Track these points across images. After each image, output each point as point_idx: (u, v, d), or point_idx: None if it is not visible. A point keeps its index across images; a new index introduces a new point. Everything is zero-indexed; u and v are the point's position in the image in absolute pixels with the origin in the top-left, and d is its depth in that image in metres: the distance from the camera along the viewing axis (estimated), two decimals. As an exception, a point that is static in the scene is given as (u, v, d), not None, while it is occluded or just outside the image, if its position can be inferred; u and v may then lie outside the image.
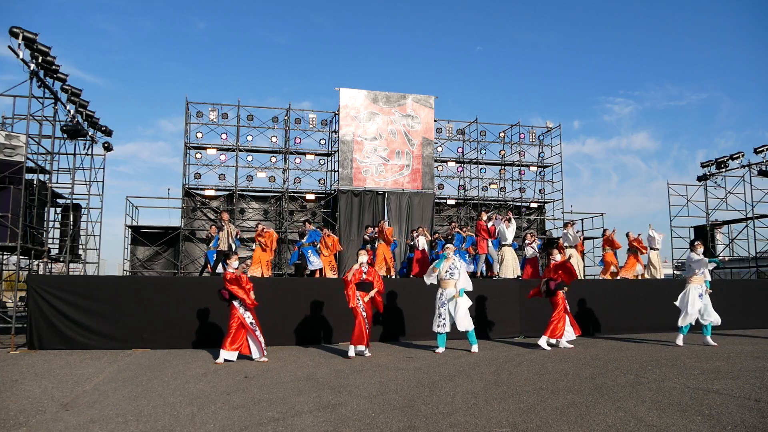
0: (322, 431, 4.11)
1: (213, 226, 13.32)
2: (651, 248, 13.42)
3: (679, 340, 9.10)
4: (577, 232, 13.59)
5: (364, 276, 7.96)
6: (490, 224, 12.52)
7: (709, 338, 9.21)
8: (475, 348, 8.39)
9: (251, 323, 7.53)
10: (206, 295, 9.04)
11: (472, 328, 8.40)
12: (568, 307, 8.99)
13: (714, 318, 9.15)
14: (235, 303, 7.56)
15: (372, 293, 8.01)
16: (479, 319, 10.21)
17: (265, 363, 7.39)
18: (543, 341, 8.75)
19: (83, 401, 5.17)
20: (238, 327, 7.48)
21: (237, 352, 7.50)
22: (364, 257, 8.14)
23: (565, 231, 13.32)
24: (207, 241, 12.05)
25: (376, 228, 12.91)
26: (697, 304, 9.10)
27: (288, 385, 5.80)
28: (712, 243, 19.30)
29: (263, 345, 7.61)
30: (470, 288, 8.59)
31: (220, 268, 11.54)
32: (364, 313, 7.86)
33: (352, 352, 7.87)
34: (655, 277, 13.28)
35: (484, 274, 12.53)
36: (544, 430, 4.07)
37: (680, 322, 9.16)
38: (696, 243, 9.68)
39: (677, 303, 9.36)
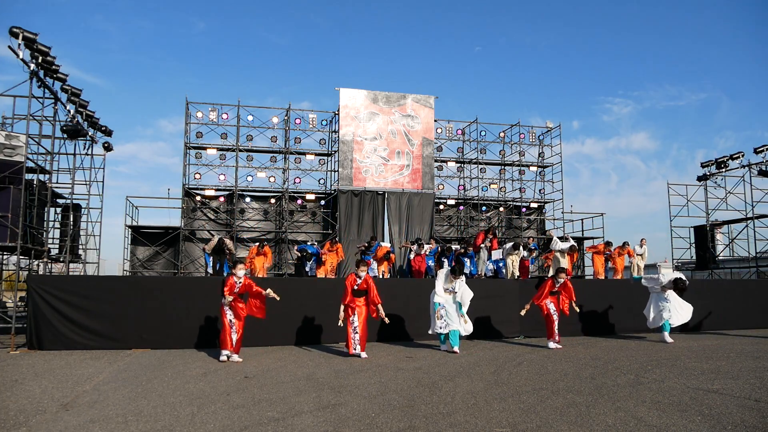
0: (322, 431, 4.11)
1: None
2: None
3: (666, 338, 9.62)
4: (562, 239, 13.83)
5: (356, 286, 8.24)
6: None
7: (666, 334, 9.69)
8: (457, 349, 8.52)
9: (230, 322, 7.84)
10: (206, 295, 9.05)
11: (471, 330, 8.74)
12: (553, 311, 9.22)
13: (675, 320, 9.69)
14: (224, 304, 7.89)
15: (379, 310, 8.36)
16: (479, 319, 10.20)
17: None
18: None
19: (83, 401, 5.17)
20: (225, 325, 7.87)
21: (230, 351, 7.81)
22: (363, 272, 8.38)
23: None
24: (207, 240, 12.15)
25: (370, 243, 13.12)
26: (660, 306, 9.75)
27: (288, 385, 5.80)
28: (712, 243, 19.31)
29: (233, 345, 7.81)
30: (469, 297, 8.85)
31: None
32: (353, 318, 8.18)
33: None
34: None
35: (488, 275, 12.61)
36: (544, 430, 4.07)
37: (652, 324, 9.88)
38: (681, 284, 9.83)
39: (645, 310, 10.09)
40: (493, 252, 12.51)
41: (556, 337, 9.06)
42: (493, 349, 8.72)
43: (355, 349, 8.08)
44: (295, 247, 12.81)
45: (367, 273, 8.56)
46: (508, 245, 12.87)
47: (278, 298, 8.02)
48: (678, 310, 9.70)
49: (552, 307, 9.16)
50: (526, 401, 4.97)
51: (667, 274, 9.96)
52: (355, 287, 8.25)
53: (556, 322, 9.09)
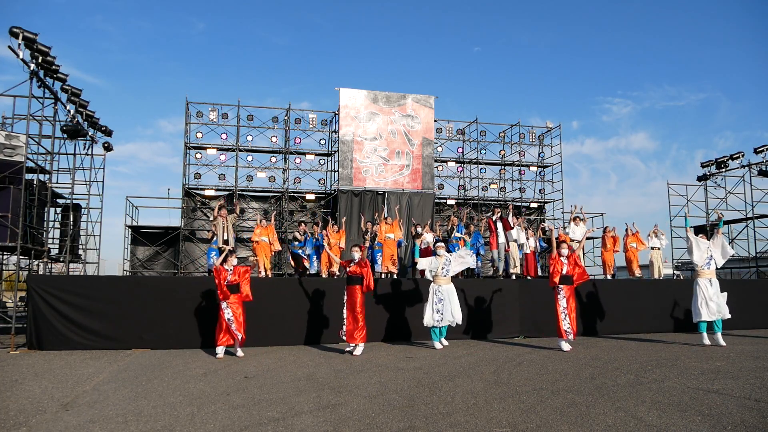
0: (322, 431, 4.11)
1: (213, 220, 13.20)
2: (651, 248, 13.45)
3: (705, 339, 8.83)
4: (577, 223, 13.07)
5: (349, 269, 8.33)
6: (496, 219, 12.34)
7: (719, 334, 8.89)
8: (445, 342, 8.79)
9: (228, 319, 7.97)
10: (206, 295, 9.05)
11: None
12: (563, 306, 8.54)
13: (724, 314, 8.86)
14: (222, 303, 8.06)
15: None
16: (479, 319, 10.21)
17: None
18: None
19: (83, 401, 5.17)
20: (222, 322, 8.01)
21: (224, 347, 8.01)
22: (357, 254, 8.43)
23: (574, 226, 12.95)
24: (208, 240, 12.01)
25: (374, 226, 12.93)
26: (713, 296, 8.84)
27: (288, 385, 5.80)
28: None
29: (239, 341, 8.02)
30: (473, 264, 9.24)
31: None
32: (343, 309, 8.27)
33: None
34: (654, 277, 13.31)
35: (500, 271, 12.45)
36: (544, 430, 4.07)
37: (700, 317, 8.85)
38: (700, 236, 9.58)
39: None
40: (511, 233, 12.10)
41: (568, 336, 8.34)
42: (493, 349, 8.72)
43: (342, 336, 8.20)
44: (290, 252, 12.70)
45: (365, 258, 8.56)
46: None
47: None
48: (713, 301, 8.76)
49: (562, 298, 8.42)
50: (526, 401, 4.97)
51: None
52: (348, 269, 8.29)
53: (563, 315, 8.37)
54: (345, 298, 8.33)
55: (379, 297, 9.73)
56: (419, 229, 12.81)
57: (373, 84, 72.05)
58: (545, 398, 5.08)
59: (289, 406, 4.88)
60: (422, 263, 8.92)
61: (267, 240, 11.86)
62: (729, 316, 8.93)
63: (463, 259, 9.06)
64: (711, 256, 9.07)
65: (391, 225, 12.72)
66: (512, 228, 12.10)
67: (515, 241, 12.17)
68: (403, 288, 10.14)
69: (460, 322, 8.81)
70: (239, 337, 7.94)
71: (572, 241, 12.04)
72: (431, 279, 8.84)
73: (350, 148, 17.75)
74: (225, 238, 10.96)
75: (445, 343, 8.75)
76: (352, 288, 8.28)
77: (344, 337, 8.23)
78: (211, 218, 11.51)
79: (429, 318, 8.65)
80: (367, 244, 10.75)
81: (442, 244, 9.12)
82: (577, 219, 12.69)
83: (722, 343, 8.79)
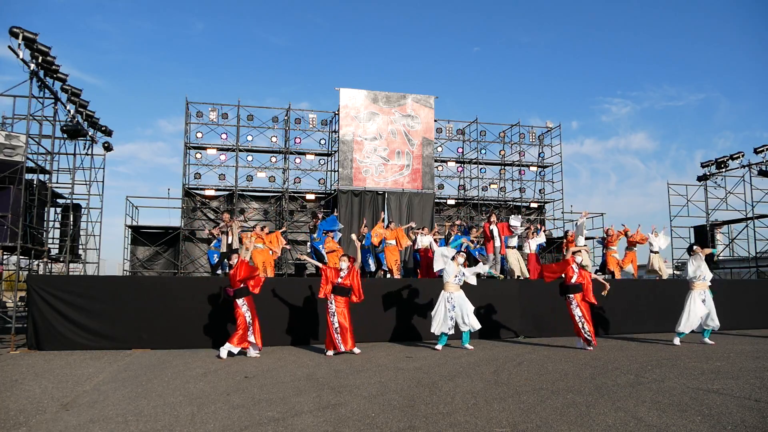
0: (322, 431, 4.11)
1: (215, 228, 13.24)
2: (650, 251, 13.47)
3: (676, 341, 9.17)
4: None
5: (339, 280, 8.13)
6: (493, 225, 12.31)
7: (707, 339, 9.32)
8: (470, 346, 8.70)
9: (249, 322, 7.84)
10: (206, 295, 9.05)
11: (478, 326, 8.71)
12: (578, 315, 8.72)
13: (715, 324, 9.16)
14: (239, 301, 7.86)
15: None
16: (479, 319, 10.18)
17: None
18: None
19: (83, 401, 5.17)
20: (244, 325, 7.80)
21: (240, 347, 7.88)
22: (344, 263, 8.31)
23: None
24: (208, 240, 11.98)
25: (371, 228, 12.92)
26: (700, 310, 9.06)
27: (288, 385, 5.80)
28: (712, 243, 19.31)
29: (257, 342, 7.94)
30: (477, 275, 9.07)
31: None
32: (333, 318, 8.03)
33: (330, 353, 8.12)
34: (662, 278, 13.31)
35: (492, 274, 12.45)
36: (544, 430, 4.07)
37: (680, 328, 9.11)
38: (695, 247, 9.67)
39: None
40: (511, 239, 12.06)
41: (584, 339, 8.60)
42: (493, 349, 8.72)
43: (341, 348, 7.97)
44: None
45: (353, 265, 8.36)
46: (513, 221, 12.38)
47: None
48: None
49: (575, 306, 8.66)
50: (526, 401, 4.97)
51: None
52: (338, 281, 8.10)
53: (580, 323, 8.61)
54: (333, 307, 8.05)
55: (383, 297, 9.73)
56: (414, 235, 12.79)
57: (373, 84, 72.10)
58: (545, 398, 5.09)
59: (289, 406, 4.88)
60: (438, 260, 8.63)
61: (262, 246, 11.88)
62: (718, 326, 9.25)
63: (474, 276, 8.92)
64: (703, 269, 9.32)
65: (393, 231, 12.68)
66: (512, 234, 12.05)
67: (517, 247, 12.14)
68: (405, 289, 10.14)
69: (477, 327, 8.60)
70: (256, 339, 7.88)
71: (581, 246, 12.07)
72: (440, 275, 8.75)
73: (350, 148, 17.75)
74: (229, 242, 11.01)
75: (470, 347, 8.63)
76: (340, 299, 8.10)
77: (342, 347, 7.96)
78: (220, 224, 11.55)
79: (439, 326, 8.48)
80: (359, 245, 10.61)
81: (464, 254, 9.06)
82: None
83: (709, 342, 9.23)
